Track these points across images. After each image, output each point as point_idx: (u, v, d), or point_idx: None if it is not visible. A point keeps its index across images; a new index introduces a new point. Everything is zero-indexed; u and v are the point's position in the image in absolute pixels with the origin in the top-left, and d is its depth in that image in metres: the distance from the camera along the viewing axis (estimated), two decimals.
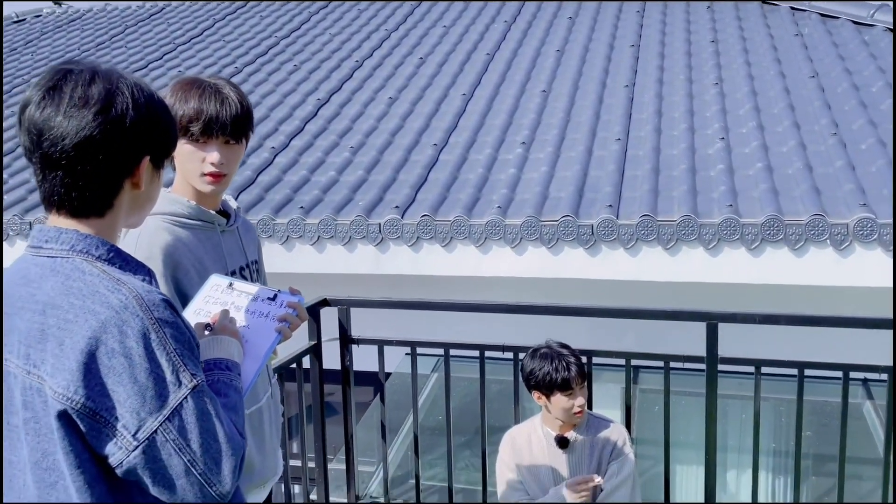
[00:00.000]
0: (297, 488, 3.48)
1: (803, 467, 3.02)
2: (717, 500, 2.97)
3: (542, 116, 5.54)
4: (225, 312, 1.46)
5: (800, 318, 2.92)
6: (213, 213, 1.79)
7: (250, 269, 1.90)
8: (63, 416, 1.13)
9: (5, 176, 5.52)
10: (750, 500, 2.96)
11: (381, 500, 3.38)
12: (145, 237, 1.67)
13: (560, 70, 6.35)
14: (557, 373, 2.57)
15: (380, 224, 4.36)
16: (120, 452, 1.14)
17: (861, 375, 4.06)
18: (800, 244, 3.77)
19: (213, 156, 1.70)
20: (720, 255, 3.90)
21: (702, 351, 2.87)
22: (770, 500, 3.84)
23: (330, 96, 6.40)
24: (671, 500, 3.04)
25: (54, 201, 1.23)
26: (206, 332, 1.41)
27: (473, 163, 4.99)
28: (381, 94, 6.36)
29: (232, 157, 1.75)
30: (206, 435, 1.16)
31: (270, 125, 5.90)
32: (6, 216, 4.94)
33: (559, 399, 2.60)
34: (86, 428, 1.13)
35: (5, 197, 5.14)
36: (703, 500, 2.99)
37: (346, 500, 3.40)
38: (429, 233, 4.29)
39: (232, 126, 1.70)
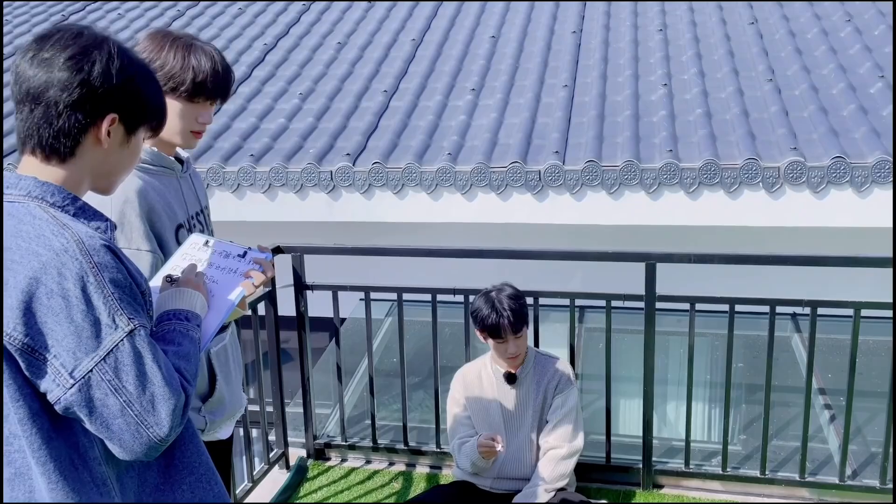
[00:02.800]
0: (255, 432, 3.59)
1: (734, 397, 3.24)
2: (654, 430, 3.18)
3: (492, 63, 5.58)
4: (191, 266, 1.51)
5: (733, 258, 3.10)
6: (172, 159, 1.85)
7: (204, 215, 1.96)
8: (3, 351, 1.18)
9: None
10: (684, 428, 3.18)
11: (338, 439, 3.52)
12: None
13: (509, 15, 6.36)
14: (490, 319, 2.69)
15: (331, 171, 4.39)
16: (58, 389, 1.18)
17: (790, 310, 4.33)
18: (734, 187, 3.96)
19: (207, 116, 1.82)
20: (660, 199, 4.07)
21: (641, 290, 3.03)
22: (703, 427, 4.10)
23: (277, 41, 6.30)
24: (612, 431, 3.25)
25: (22, 138, 1.29)
26: (171, 285, 1.46)
27: (423, 109, 5.03)
28: (329, 38, 6.28)
29: (214, 114, 1.89)
30: (143, 378, 1.21)
31: None
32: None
33: (493, 343, 2.75)
34: (24, 364, 1.18)
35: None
36: (641, 431, 3.20)
37: (303, 441, 3.53)
38: (380, 180, 4.35)
39: (230, 90, 1.84)
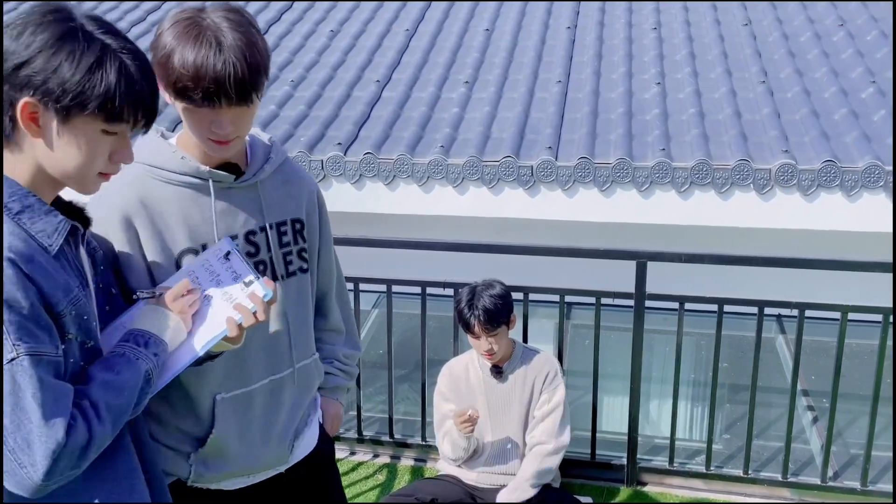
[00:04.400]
0: None
1: (719, 396, 3.26)
2: (639, 427, 3.19)
3: (486, 55, 5.55)
4: (184, 283, 1.37)
5: (723, 258, 3.11)
6: (209, 169, 1.50)
7: (269, 233, 1.58)
8: None
9: None
10: (669, 427, 3.19)
11: None
12: (109, 193, 1.46)
13: (503, 9, 6.33)
14: (464, 314, 2.70)
15: (322, 161, 4.36)
16: None
17: (775, 312, 4.35)
18: (725, 188, 3.97)
19: (219, 125, 1.40)
20: (652, 198, 4.07)
21: (631, 288, 3.03)
22: (687, 426, 4.13)
23: (269, 27, 6.24)
24: (598, 428, 3.25)
25: None
26: (153, 299, 1.35)
27: (417, 100, 5.00)
28: (322, 26, 6.23)
29: (244, 118, 1.43)
30: (20, 412, 1.09)
31: None
32: None
33: (469, 337, 2.76)
34: None
35: None
36: (626, 428, 3.21)
37: None
38: (371, 170, 4.32)
39: (237, 93, 1.36)
